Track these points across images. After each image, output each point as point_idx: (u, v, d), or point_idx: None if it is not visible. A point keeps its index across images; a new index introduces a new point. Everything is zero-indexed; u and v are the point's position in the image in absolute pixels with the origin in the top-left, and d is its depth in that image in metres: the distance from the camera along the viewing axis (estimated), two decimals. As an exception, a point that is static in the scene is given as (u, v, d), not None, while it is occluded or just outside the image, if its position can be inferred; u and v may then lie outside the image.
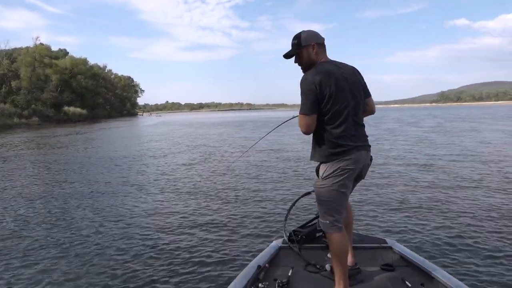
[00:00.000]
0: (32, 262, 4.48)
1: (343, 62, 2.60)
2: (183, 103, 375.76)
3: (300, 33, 2.56)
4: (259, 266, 2.81)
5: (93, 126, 44.80)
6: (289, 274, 2.76)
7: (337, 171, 2.40)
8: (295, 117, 2.91)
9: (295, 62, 2.60)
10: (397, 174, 9.39)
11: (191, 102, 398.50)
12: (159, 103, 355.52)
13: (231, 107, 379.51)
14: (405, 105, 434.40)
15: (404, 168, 10.23)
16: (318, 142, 2.49)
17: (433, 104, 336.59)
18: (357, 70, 2.61)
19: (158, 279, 3.99)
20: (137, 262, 4.44)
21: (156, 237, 5.28)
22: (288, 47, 2.60)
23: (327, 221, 2.47)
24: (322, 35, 2.58)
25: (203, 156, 14.18)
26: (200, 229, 5.54)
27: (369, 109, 2.70)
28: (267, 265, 2.89)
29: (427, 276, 2.71)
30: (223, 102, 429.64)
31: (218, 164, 12.09)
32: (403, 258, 3.00)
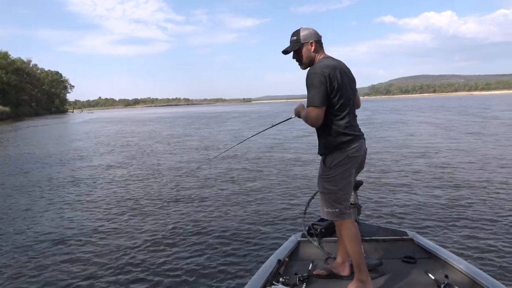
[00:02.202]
0: None
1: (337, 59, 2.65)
2: (117, 99, 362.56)
3: (298, 30, 2.60)
4: (279, 261, 2.77)
5: (15, 125, 41.73)
6: (310, 267, 2.75)
7: (345, 160, 2.47)
8: (291, 118, 2.99)
9: (293, 58, 2.63)
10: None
11: (126, 98, 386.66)
12: (91, 99, 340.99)
13: (168, 102, 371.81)
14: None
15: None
16: (325, 134, 2.53)
17: (365, 97, 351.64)
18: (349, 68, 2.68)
19: (179, 273, 4.05)
20: (153, 256, 4.49)
21: (172, 235, 5.24)
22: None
23: (337, 210, 2.49)
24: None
25: (131, 157, 13.54)
26: (217, 226, 5.52)
27: (358, 104, 2.80)
28: (287, 259, 2.89)
29: (451, 268, 2.68)
30: (159, 97, 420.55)
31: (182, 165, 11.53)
32: (425, 250, 2.98)
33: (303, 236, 3.28)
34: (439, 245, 3.10)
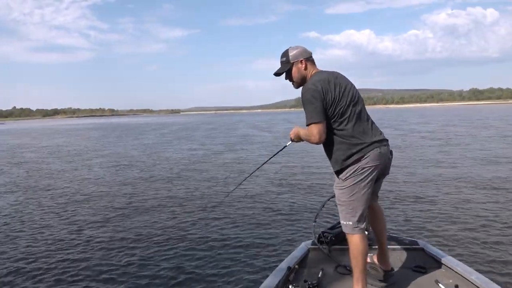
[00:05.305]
0: None
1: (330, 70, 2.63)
2: (34, 109, 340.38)
3: (287, 50, 2.60)
4: (289, 268, 2.76)
5: None
6: (319, 275, 2.72)
7: (358, 171, 2.39)
8: (286, 146, 3.05)
9: (286, 79, 2.63)
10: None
11: (45, 108, 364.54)
12: (4, 109, 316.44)
13: (91, 113, 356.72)
14: (268, 110, 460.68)
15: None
16: (331, 148, 2.49)
17: (292, 109, 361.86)
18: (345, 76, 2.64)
19: (188, 280, 4.15)
20: (167, 263, 4.62)
21: (180, 242, 5.34)
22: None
23: (350, 223, 2.46)
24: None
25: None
26: (228, 233, 5.61)
27: None
28: (296, 266, 2.86)
29: (462, 278, 2.64)
30: (82, 107, 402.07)
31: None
32: (435, 259, 2.94)
33: (313, 243, 3.25)
34: (450, 255, 3.06)
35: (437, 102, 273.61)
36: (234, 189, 4.91)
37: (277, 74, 2.64)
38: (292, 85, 2.64)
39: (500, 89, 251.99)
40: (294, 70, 2.57)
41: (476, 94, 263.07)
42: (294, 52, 2.57)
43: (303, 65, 2.55)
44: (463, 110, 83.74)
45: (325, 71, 2.56)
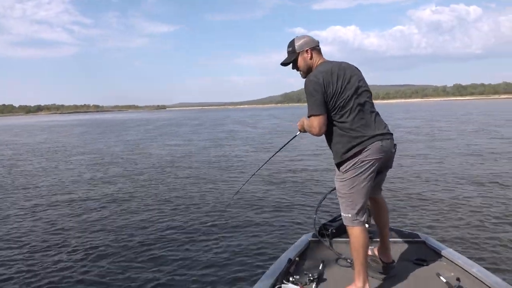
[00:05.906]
0: None
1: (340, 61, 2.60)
2: (17, 106, 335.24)
3: (293, 40, 2.62)
4: (289, 260, 2.76)
5: None
6: (320, 268, 2.74)
7: (357, 164, 2.39)
8: (296, 135, 3.07)
9: (293, 68, 2.64)
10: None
11: (28, 104, 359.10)
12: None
13: (76, 109, 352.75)
14: (254, 105, 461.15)
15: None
16: (333, 140, 2.49)
17: (278, 104, 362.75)
18: (355, 66, 2.61)
19: (189, 271, 4.20)
20: (164, 253, 4.69)
21: (191, 234, 5.38)
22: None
23: (349, 215, 2.47)
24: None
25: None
26: (229, 225, 5.65)
27: None
28: (297, 258, 2.87)
29: (463, 271, 2.64)
30: (66, 104, 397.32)
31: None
32: (436, 253, 2.95)
33: (314, 236, 3.25)
34: (451, 248, 3.06)
35: (422, 98, 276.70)
36: (251, 177, 4.70)
37: (284, 64, 2.67)
38: (300, 75, 2.64)
39: (483, 85, 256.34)
40: (300, 59, 2.59)
41: (459, 90, 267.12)
42: (300, 42, 2.59)
43: (309, 55, 2.56)
44: (448, 105, 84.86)
45: (331, 62, 2.55)
